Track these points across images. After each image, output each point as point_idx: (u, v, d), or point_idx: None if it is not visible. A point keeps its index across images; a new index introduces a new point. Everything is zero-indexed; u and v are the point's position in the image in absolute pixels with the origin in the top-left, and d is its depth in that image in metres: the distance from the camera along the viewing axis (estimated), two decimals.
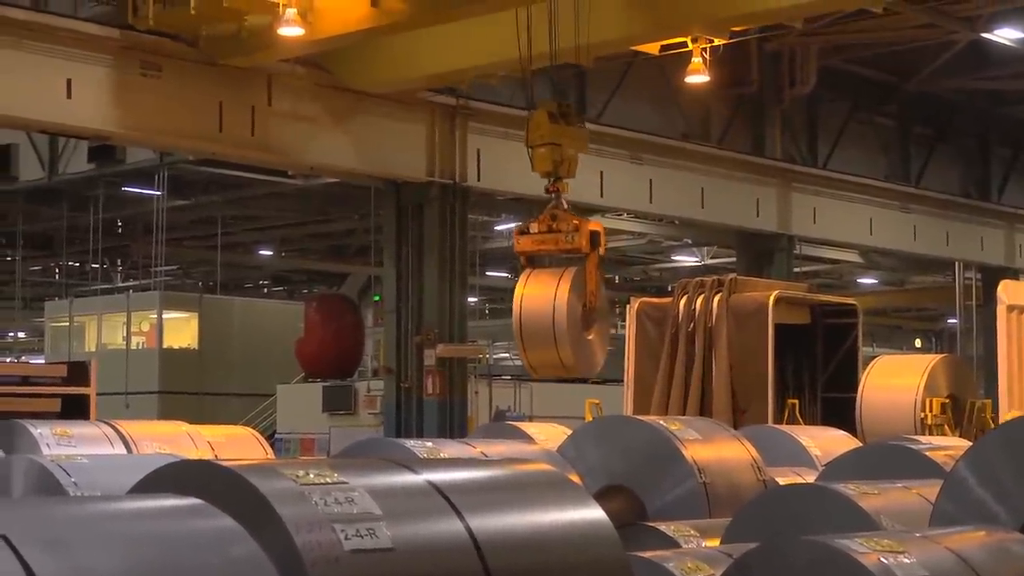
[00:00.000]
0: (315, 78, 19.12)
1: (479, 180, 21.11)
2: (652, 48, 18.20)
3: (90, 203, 29.06)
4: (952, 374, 15.59)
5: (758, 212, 25.28)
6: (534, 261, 14.43)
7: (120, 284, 36.96)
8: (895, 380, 15.29)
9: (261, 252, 37.63)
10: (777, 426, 9.24)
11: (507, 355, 43.12)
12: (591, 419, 9.94)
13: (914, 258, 31.80)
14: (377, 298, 24.11)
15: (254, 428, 9.05)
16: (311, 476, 2.86)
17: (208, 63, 17.83)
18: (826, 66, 25.65)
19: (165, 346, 29.76)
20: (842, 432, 7.46)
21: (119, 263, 38.19)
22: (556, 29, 14.27)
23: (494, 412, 23.86)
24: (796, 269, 26.62)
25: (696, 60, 17.53)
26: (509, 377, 28.08)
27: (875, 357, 16.95)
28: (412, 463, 3.13)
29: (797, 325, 15.58)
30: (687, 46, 17.57)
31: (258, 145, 18.94)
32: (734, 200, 24.74)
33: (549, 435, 6.74)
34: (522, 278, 14.09)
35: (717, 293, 14.92)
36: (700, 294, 15.00)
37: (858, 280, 41.11)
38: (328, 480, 2.87)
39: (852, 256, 33.26)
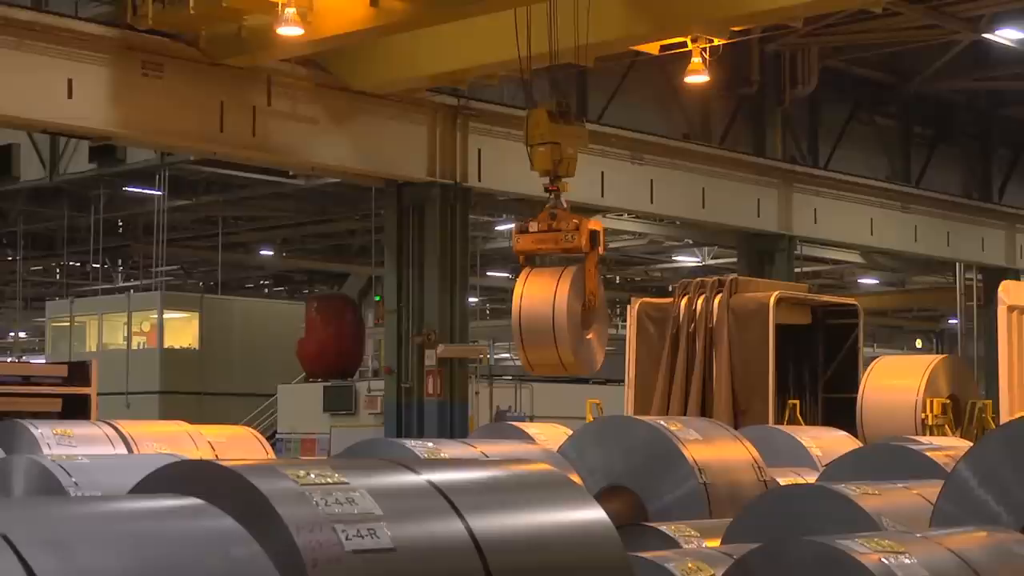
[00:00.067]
0: (315, 78, 19.12)
1: (480, 180, 21.09)
2: (652, 48, 18.18)
3: (91, 203, 29.07)
4: (953, 375, 15.58)
5: (759, 212, 25.26)
6: (533, 260, 14.40)
7: (121, 284, 36.91)
8: (896, 381, 15.28)
9: (262, 252, 37.58)
10: (778, 426, 9.25)
11: (508, 355, 43.14)
12: (592, 419, 9.92)
13: (915, 259, 31.79)
14: (378, 298, 24.04)
15: (255, 428, 9.05)
16: (312, 476, 2.86)
17: (209, 63, 17.84)
18: (827, 66, 25.65)
19: (166, 346, 29.71)
20: (843, 432, 7.48)
21: (120, 263, 38.18)
22: (556, 29, 14.25)
23: (495, 412, 23.86)
24: (797, 269, 26.59)
25: (696, 60, 17.52)
26: (510, 377, 28.04)
27: (876, 358, 16.92)
28: (413, 463, 3.13)
29: (798, 326, 15.57)
30: (687, 46, 17.57)
31: (259, 145, 18.94)
32: (735, 200, 24.73)
33: (550, 435, 6.75)
34: (521, 277, 14.05)
35: (718, 293, 14.90)
36: (701, 294, 14.98)
37: (859, 281, 41.05)
38: (329, 480, 2.87)
39: (853, 257, 33.21)
